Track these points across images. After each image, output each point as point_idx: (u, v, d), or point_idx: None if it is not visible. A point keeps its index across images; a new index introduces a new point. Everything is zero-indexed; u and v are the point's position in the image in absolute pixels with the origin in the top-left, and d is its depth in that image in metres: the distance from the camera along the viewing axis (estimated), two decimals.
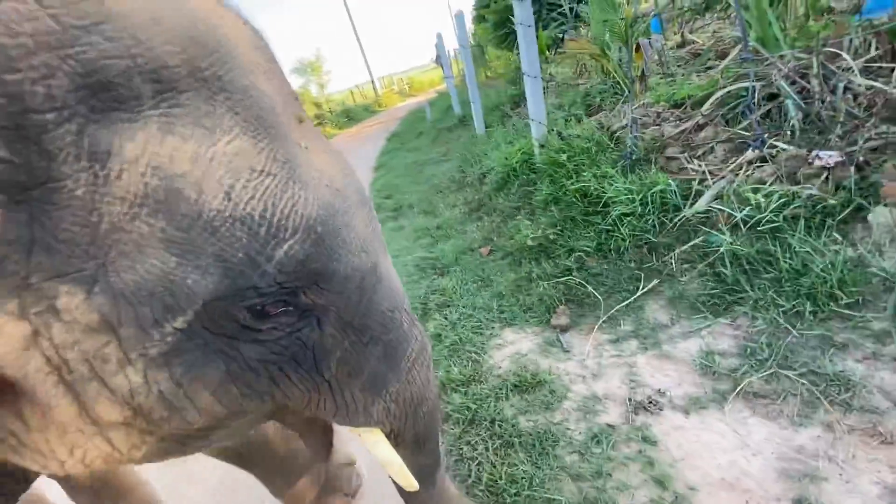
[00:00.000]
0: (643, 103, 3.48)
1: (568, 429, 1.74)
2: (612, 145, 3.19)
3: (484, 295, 2.74)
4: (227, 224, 0.54)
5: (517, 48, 3.87)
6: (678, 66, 4.07)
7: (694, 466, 1.48)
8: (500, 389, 2.00)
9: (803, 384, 1.58)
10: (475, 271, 3.07)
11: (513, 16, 3.47)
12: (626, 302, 2.26)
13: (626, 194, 2.60)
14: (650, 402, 1.73)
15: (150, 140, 0.50)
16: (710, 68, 3.67)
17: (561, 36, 6.13)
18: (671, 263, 2.30)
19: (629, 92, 3.50)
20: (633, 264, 2.44)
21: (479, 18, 9.24)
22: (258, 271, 0.57)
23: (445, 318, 2.65)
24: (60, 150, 0.46)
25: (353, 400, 0.76)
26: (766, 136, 2.48)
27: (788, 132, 2.47)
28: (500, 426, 1.81)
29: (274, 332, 0.63)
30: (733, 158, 2.66)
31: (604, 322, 2.21)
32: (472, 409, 1.93)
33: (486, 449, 1.73)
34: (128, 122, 0.49)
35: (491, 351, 2.29)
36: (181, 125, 0.52)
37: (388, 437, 0.84)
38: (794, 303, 1.83)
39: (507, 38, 7.64)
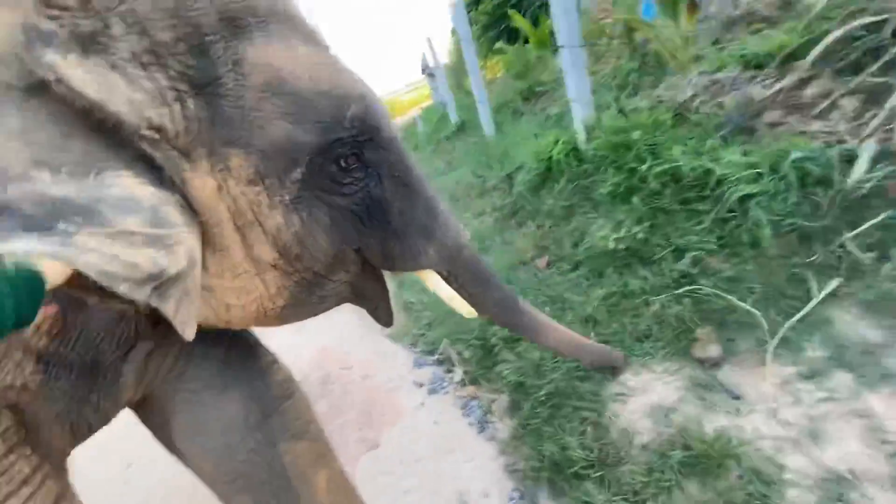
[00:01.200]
0: (701, 72, 2.89)
1: None
2: (687, 118, 2.57)
3: (566, 320, 2.02)
4: (315, 96, 0.82)
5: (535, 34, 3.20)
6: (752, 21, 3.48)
7: None
8: (660, 473, 1.27)
9: None
10: (538, 290, 2.36)
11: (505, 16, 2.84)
12: (801, 314, 1.56)
13: (747, 169, 1.94)
14: None
15: (260, 49, 0.78)
16: (775, 23, 3.11)
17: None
18: (851, 253, 1.63)
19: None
20: (783, 260, 1.76)
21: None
22: (339, 126, 0.83)
23: (522, 358, 1.93)
24: (219, 59, 0.75)
25: (413, 245, 0.96)
26: None
27: None
28: None
29: (352, 186, 0.87)
30: (870, 113, 2.05)
31: (777, 347, 1.51)
32: None
33: None
34: (247, 40, 0.77)
35: (614, 405, 1.56)
36: (274, 40, 0.80)
37: (446, 280, 1.02)
38: None
39: (500, 36, 7.12)
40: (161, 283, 0.68)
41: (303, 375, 2.40)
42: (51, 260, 0.58)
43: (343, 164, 0.85)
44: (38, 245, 0.56)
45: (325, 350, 2.88)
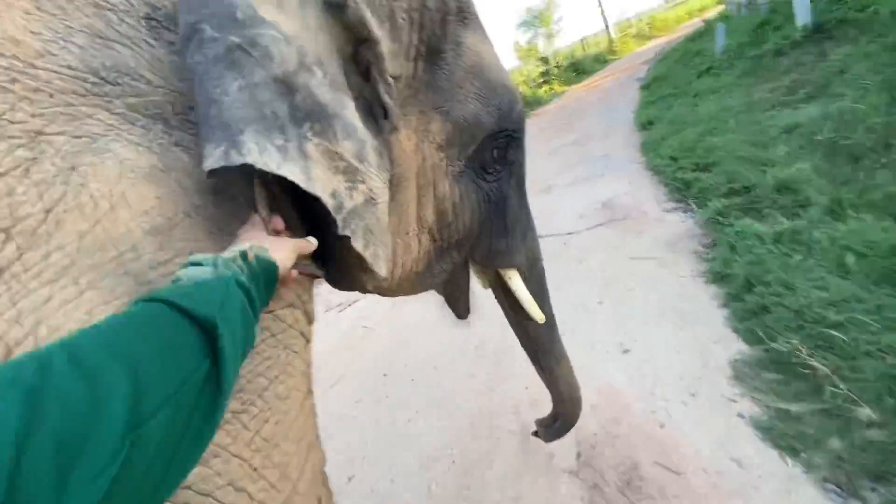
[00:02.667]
0: None
1: None
2: None
3: None
4: (500, 87, 0.95)
5: None
6: None
7: None
8: None
9: None
10: None
11: None
12: None
13: None
14: None
15: (472, 38, 0.92)
16: None
17: None
18: None
19: None
20: None
21: None
22: (508, 118, 0.97)
23: None
24: (448, 37, 0.88)
25: (514, 243, 1.10)
26: None
27: None
28: None
29: (493, 175, 1.00)
30: None
31: None
32: None
33: None
34: (469, 29, 0.92)
35: None
36: (479, 33, 0.96)
37: (525, 282, 1.14)
38: None
39: None
40: (343, 217, 0.71)
41: None
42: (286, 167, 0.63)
43: (495, 154, 0.99)
44: (279, 158, 0.63)
45: None
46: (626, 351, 2.36)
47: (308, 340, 0.80)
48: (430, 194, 0.92)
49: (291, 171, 0.63)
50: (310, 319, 0.81)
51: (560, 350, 1.30)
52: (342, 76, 0.73)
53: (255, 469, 0.64)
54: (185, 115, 0.68)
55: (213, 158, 0.59)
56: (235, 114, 0.60)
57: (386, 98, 0.77)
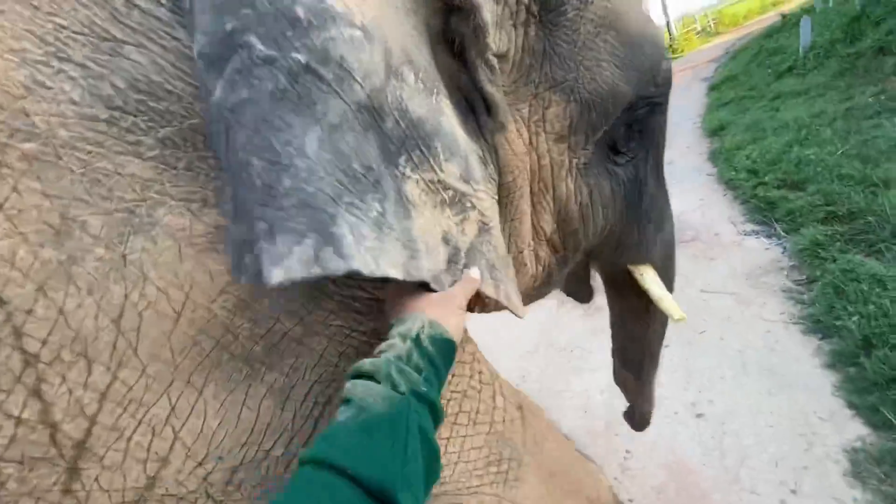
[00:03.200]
0: None
1: None
2: None
3: None
4: (642, 40, 0.71)
5: None
6: None
7: None
8: None
9: None
10: None
11: None
12: None
13: None
14: None
15: None
16: None
17: None
18: None
19: None
20: None
21: None
22: (651, 81, 0.74)
23: None
24: None
25: (647, 235, 0.92)
26: None
27: None
28: None
29: (626, 156, 0.80)
30: None
31: None
32: None
33: None
34: None
35: None
36: None
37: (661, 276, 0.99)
38: None
39: None
40: (456, 259, 0.57)
41: None
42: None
43: (632, 129, 0.80)
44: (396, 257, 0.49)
45: None
46: (699, 415, 1.92)
47: (475, 359, 0.75)
48: (547, 200, 0.75)
49: (393, 264, 0.49)
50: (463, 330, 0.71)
51: (659, 355, 1.27)
52: (433, 66, 0.56)
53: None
54: None
55: (293, 263, 0.42)
56: (321, 185, 0.44)
57: (489, 88, 0.60)
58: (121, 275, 0.47)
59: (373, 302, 0.61)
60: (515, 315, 0.68)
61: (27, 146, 0.44)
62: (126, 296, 0.48)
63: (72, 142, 0.46)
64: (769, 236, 3.07)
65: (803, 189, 3.25)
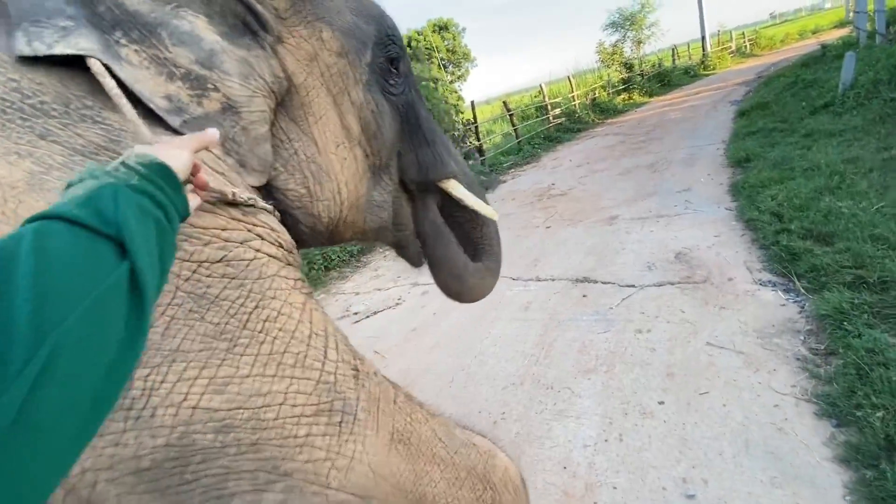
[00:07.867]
0: None
1: None
2: None
3: None
4: (369, 2, 1.01)
5: None
6: None
7: None
8: None
9: None
10: None
11: None
12: None
13: None
14: None
15: None
16: None
17: None
18: None
19: None
20: None
21: None
22: (386, 25, 1.01)
23: None
24: None
25: (440, 153, 1.14)
26: None
27: None
28: None
29: (397, 86, 1.03)
30: None
31: None
32: None
33: None
34: None
35: None
36: None
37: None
38: None
39: None
40: (186, 120, 0.69)
41: None
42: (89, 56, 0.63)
43: (390, 65, 1.02)
44: (87, 44, 0.63)
45: None
46: (689, 497, 1.72)
47: (287, 261, 0.74)
48: (347, 103, 0.93)
49: (74, 47, 0.62)
50: (285, 247, 0.76)
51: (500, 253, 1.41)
52: None
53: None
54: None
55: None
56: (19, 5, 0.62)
57: (259, 8, 0.79)
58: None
59: None
60: (249, 183, 0.77)
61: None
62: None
63: None
64: (787, 290, 2.84)
65: (831, 244, 3.01)
